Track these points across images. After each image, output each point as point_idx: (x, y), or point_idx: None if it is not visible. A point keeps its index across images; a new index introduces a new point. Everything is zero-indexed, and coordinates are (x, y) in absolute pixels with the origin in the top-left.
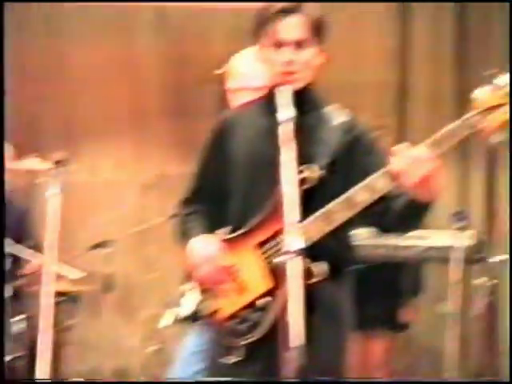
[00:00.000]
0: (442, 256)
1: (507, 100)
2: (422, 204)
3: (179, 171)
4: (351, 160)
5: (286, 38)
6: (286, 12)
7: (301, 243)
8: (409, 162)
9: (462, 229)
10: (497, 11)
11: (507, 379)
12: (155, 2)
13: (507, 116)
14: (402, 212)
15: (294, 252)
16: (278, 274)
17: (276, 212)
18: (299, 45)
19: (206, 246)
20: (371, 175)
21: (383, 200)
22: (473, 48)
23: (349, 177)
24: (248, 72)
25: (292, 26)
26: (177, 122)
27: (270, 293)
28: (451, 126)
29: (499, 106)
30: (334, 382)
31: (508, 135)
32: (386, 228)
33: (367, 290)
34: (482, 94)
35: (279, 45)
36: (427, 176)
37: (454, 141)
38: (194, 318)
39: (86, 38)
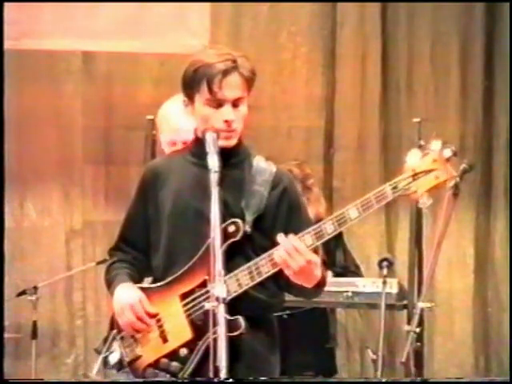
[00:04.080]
0: (368, 302)
1: (438, 166)
2: (304, 288)
3: (105, 218)
4: (275, 216)
5: (226, 97)
6: (226, 71)
7: (225, 294)
8: (288, 253)
9: (388, 276)
10: (419, 60)
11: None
12: None
13: (437, 182)
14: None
15: (218, 302)
16: (199, 325)
17: (200, 265)
18: (237, 102)
19: (127, 294)
20: (290, 233)
21: None
22: (399, 95)
23: (272, 233)
24: (179, 126)
25: (233, 86)
26: (103, 169)
27: (190, 343)
28: (379, 189)
29: (430, 171)
30: (334, 383)
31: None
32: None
33: (293, 336)
34: (413, 158)
35: (219, 103)
36: (304, 267)
37: (381, 203)
38: (119, 364)
39: (13, 82)
